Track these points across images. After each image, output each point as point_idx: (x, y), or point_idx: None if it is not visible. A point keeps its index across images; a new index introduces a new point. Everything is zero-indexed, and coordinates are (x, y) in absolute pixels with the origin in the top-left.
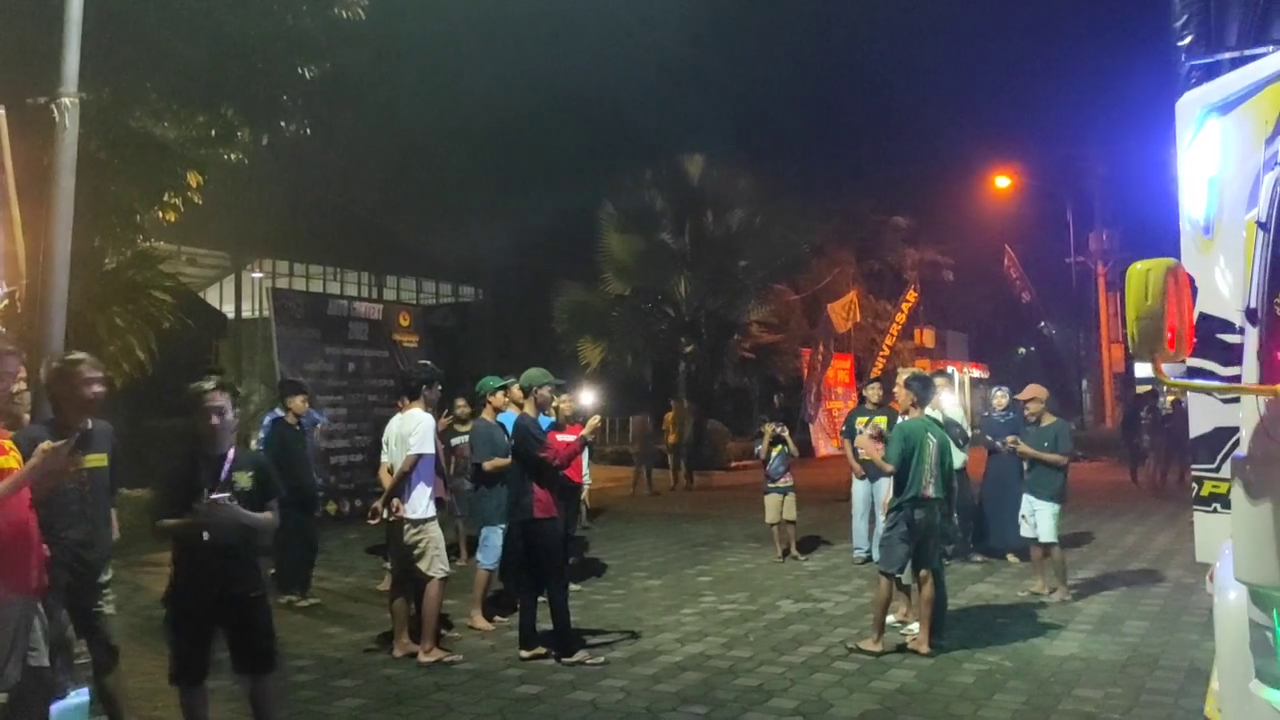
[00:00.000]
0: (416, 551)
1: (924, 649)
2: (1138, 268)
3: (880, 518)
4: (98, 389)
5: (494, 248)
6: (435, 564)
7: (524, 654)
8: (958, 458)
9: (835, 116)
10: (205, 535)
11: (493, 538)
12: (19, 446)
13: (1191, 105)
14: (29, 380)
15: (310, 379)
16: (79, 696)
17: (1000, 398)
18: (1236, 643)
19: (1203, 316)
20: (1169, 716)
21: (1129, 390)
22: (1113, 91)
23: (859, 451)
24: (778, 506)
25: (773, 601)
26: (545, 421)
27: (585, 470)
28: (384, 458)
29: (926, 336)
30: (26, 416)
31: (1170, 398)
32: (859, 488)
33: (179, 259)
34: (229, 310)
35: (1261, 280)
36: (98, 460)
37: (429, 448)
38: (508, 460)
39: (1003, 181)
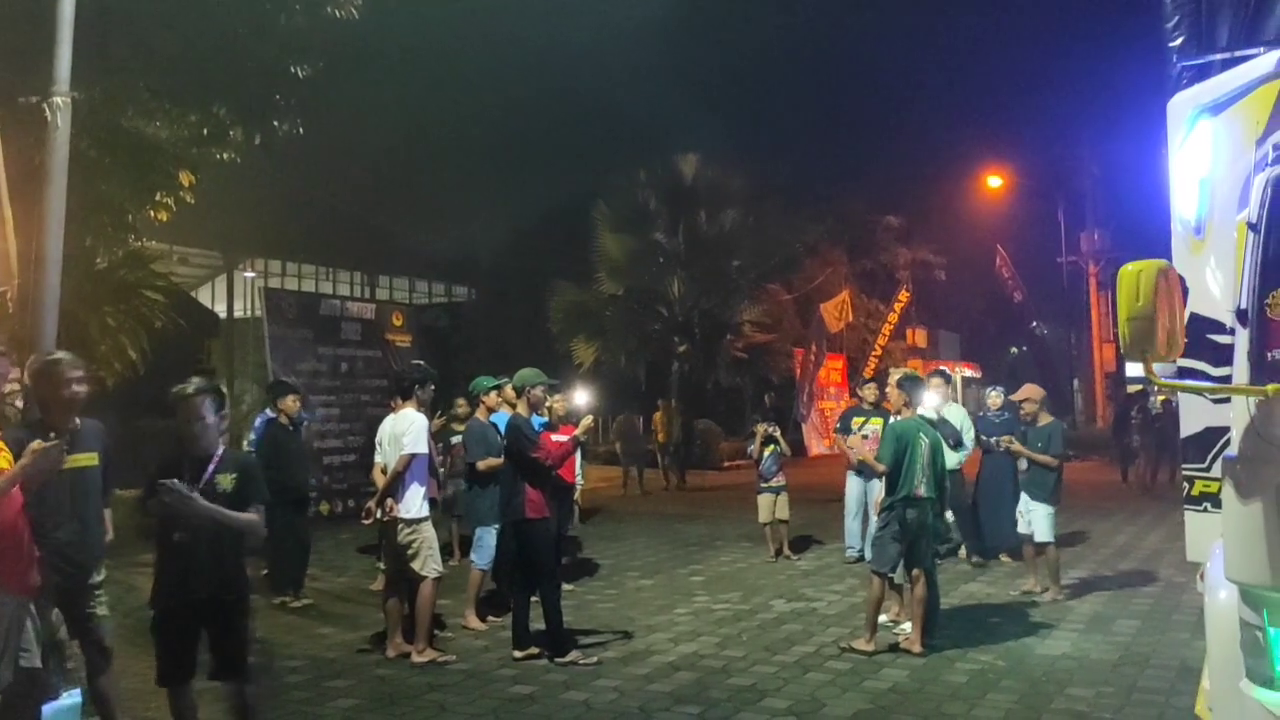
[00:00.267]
0: (410, 551)
1: (916, 648)
2: (1129, 268)
3: (873, 517)
4: (77, 388)
5: (487, 247)
6: (429, 564)
7: (517, 654)
8: (952, 458)
9: (829, 116)
10: (176, 536)
11: (486, 538)
12: (9, 447)
13: (1183, 106)
14: (21, 381)
15: (303, 379)
16: (71, 697)
17: (995, 397)
18: (1227, 642)
19: (1194, 317)
20: (1160, 715)
21: (1120, 390)
22: (1104, 92)
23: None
24: (770, 506)
25: (766, 601)
26: (538, 421)
27: (579, 470)
28: (377, 458)
29: (919, 336)
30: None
31: (1160, 397)
32: (852, 487)
33: (170, 258)
34: (221, 310)
35: (1252, 281)
36: (87, 459)
37: (422, 447)
38: (501, 460)
39: (995, 181)
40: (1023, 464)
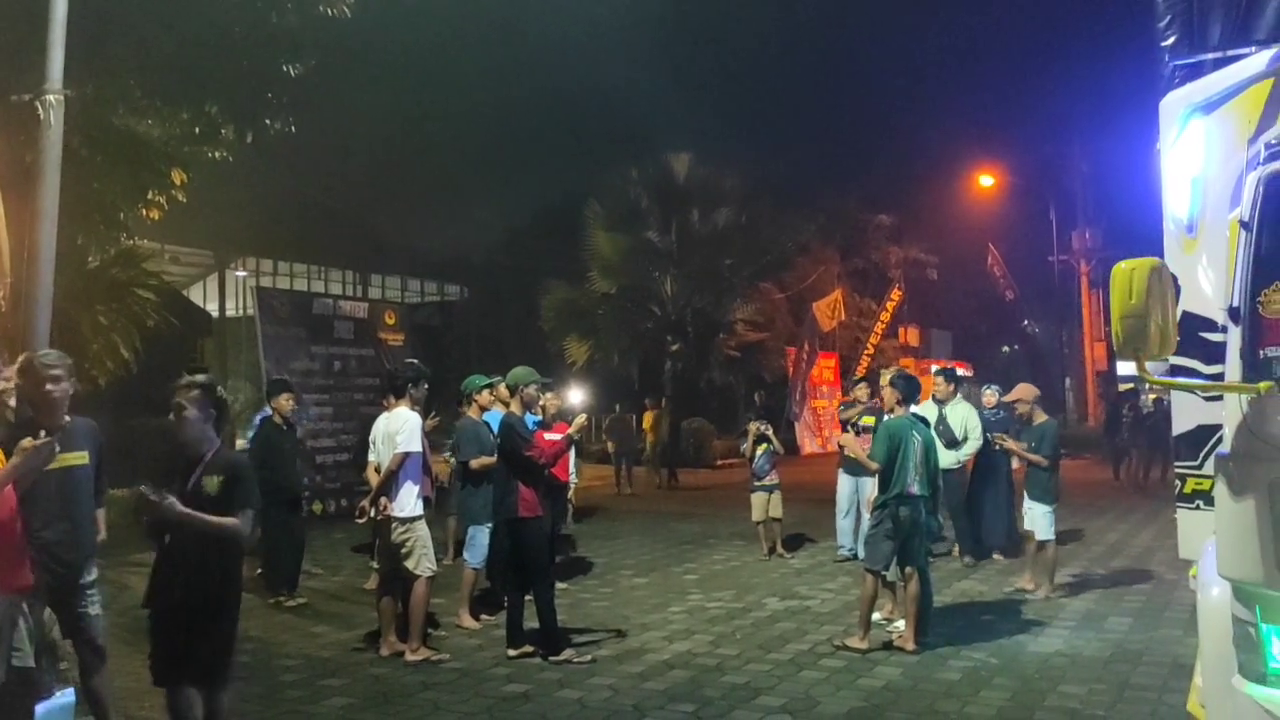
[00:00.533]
0: (404, 550)
1: (910, 646)
2: (1123, 267)
3: (865, 515)
4: (53, 385)
5: (479, 246)
6: (423, 563)
7: (511, 653)
8: (947, 457)
9: (821, 115)
10: (165, 538)
11: (479, 536)
12: (1, 446)
13: (1175, 105)
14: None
15: (296, 378)
16: (65, 697)
17: (989, 396)
18: (1220, 638)
19: (1186, 315)
20: (1153, 712)
21: (1111, 388)
22: (1095, 91)
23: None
24: (764, 504)
25: (759, 599)
26: (532, 420)
27: (573, 468)
28: (371, 456)
29: (911, 335)
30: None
31: (1152, 396)
32: (843, 485)
33: (162, 257)
34: (213, 309)
35: (1244, 279)
36: (76, 458)
37: (416, 446)
38: (494, 459)
39: (986, 180)
40: (1015, 462)
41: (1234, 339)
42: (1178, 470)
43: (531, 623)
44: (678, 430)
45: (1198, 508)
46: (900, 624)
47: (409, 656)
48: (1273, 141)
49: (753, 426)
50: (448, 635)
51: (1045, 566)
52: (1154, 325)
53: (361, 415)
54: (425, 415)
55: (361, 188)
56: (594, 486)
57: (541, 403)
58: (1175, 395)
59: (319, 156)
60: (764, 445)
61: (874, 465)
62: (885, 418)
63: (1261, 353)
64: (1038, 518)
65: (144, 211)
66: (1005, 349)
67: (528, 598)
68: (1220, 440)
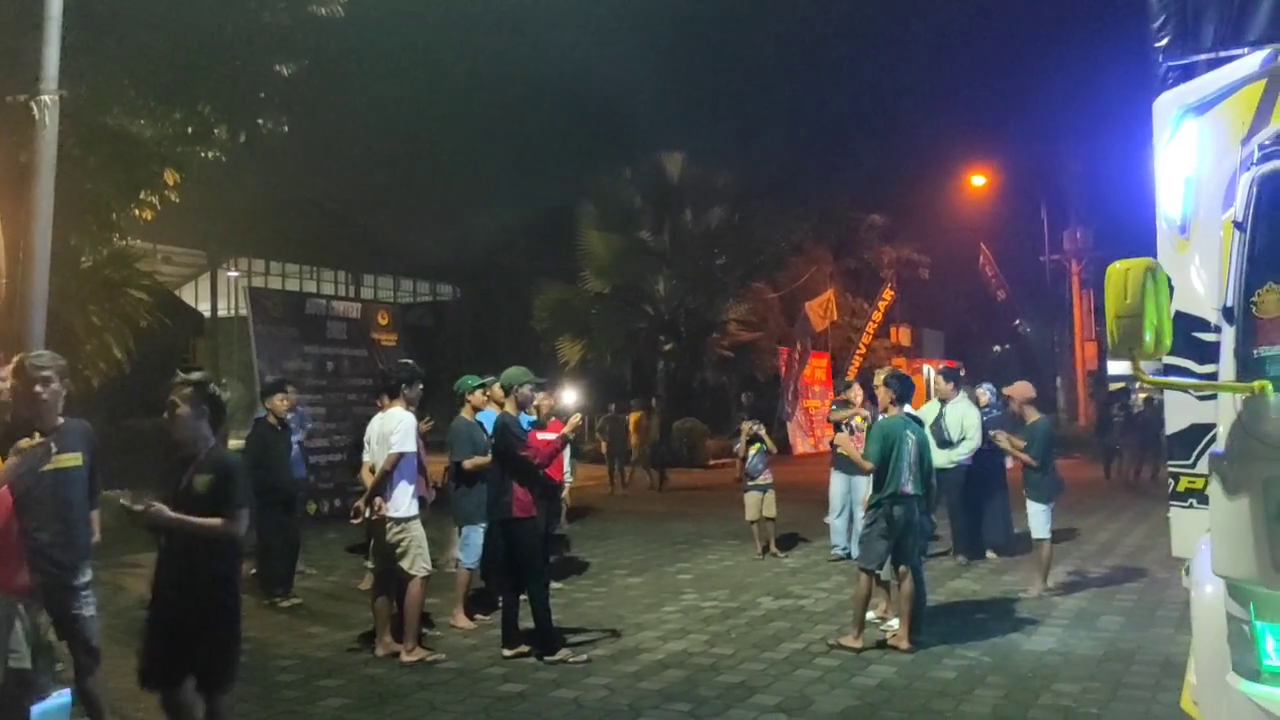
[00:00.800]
0: (399, 550)
1: (904, 645)
2: (1117, 267)
3: (859, 514)
4: (44, 388)
5: (472, 246)
6: (417, 563)
7: (506, 653)
8: (940, 457)
9: (814, 115)
10: (161, 540)
11: (473, 536)
12: None
13: (1168, 105)
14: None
15: (289, 378)
16: (61, 698)
17: (982, 395)
18: (1214, 636)
19: (1179, 315)
20: (1146, 710)
21: (1102, 388)
22: (1087, 91)
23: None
24: (757, 504)
25: (753, 599)
26: (526, 420)
27: (567, 468)
28: (365, 457)
29: (903, 334)
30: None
31: (1142, 395)
32: (836, 485)
33: (154, 257)
34: (205, 309)
35: (1238, 279)
36: (70, 460)
37: (410, 446)
38: (488, 458)
39: (978, 180)
40: (1010, 462)
41: (1228, 339)
42: (1171, 469)
43: (526, 623)
44: (668, 430)
45: (1191, 506)
46: (894, 623)
47: (404, 657)
48: (1266, 142)
49: (745, 426)
50: (443, 635)
51: (1040, 565)
52: (1148, 325)
53: (354, 415)
54: (420, 418)
55: (354, 188)
56: (588, 486)
57: (536, 402)
58: (1168, 394)
59: (311, 156)
60: (757, 445)
61: (868, 465)
62: (880, 417)
63: (1255, 352)
64: (1032, 516)
65: (137, 212)
66: (997, 348)
67: (522, 598)
68: (1214, 439)
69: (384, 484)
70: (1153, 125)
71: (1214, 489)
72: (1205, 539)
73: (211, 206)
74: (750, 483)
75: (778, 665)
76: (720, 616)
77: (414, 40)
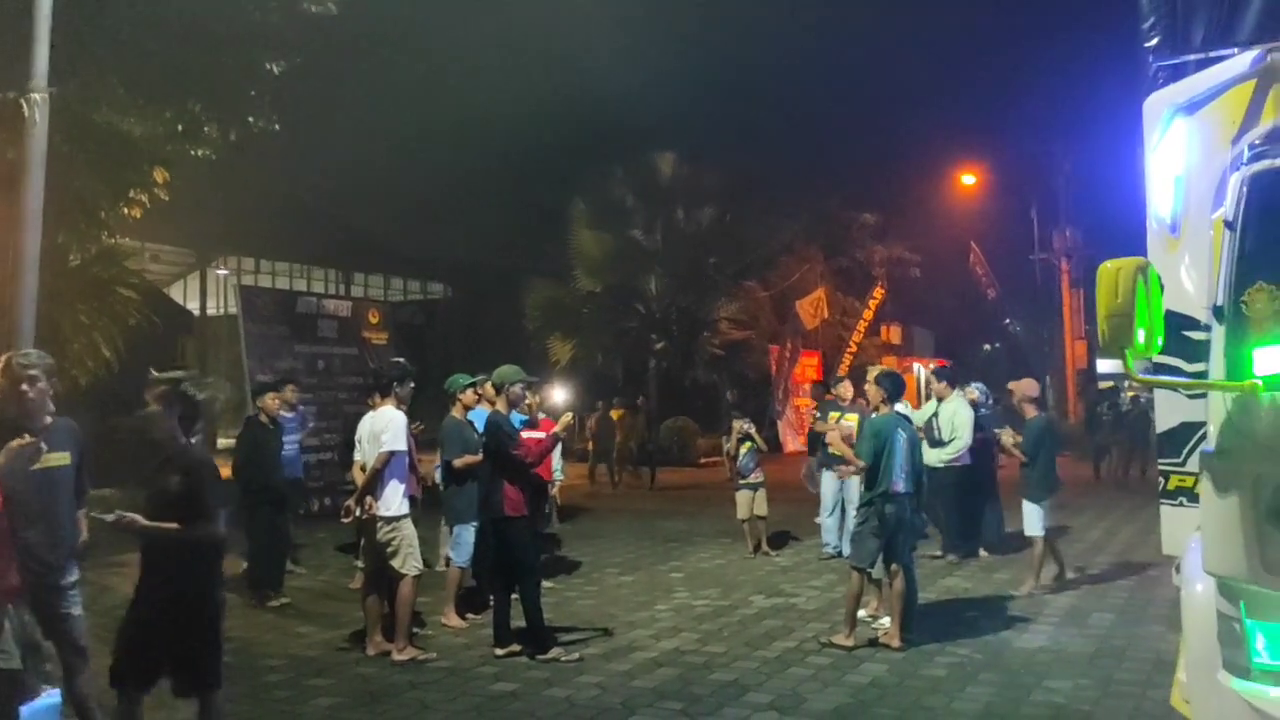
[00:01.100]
0: (389, 549)
1: (895, 643)
2: (1108, 266)
3: (850, 513)
4: (30, 387)
5: (462, 244)
6: (408, 561)
7: (498, 651)
8: (930, 455)
9: (804, 114)
10: (142, 543)
11: (464, 535)
12: None
13: (1158, 105)
14: None
15: (279, 377)
16: (50, 698)
17: (971, 393)
18: (1204, 634)
19: (1169, 314)
20: (1137, 707)
21: (1091, 386)
22: (1079, 91)
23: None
24: (749, 502)
25: (745, 597)
26: (518, 419)
27: (557, 466)
28: (356, 455)
29: (893, 333)
30: None
31: (1130, 393)
32: (827, 484)
33: (143, 255)
34: (194, 307)
35: (1228, 278)
36: (58, 459)
37: (401, 445)
38: (479, 457)
39: (968, 179)
40: (1003, 459)
41: (1218, 337)
42: (1161, 467)
43: (518, 621)
44: (654, 428)
45: (1181, 504)
46: (886, 621)
47: (395, 656)
48: (1256, 142)
49: (737, 425)
50: (434, 634)
51: (1033, 562)
52: (1139, 324)
53: (345, 414)
54: (411, 419)
55: (344, 185)
56: (579, 485)
57: (528, 401)
58: (1158, 393)
59: (302, 154)
60: (748, 444)
61: (860, 463)
62: (871, 415)
63: (1245, 350)
64: (1025, 513)
65: (126, 210)
66: (986, 347)
67: (514, 596)
68: (1204, 437)
69: (375, 483)
70: (1143, 125)
71: (1204, 487)
72: (1195, 537)
73: (200, 204)
74: (741, 481)
75: (770, 663)
76: (712, 615)
77: (404, 39)
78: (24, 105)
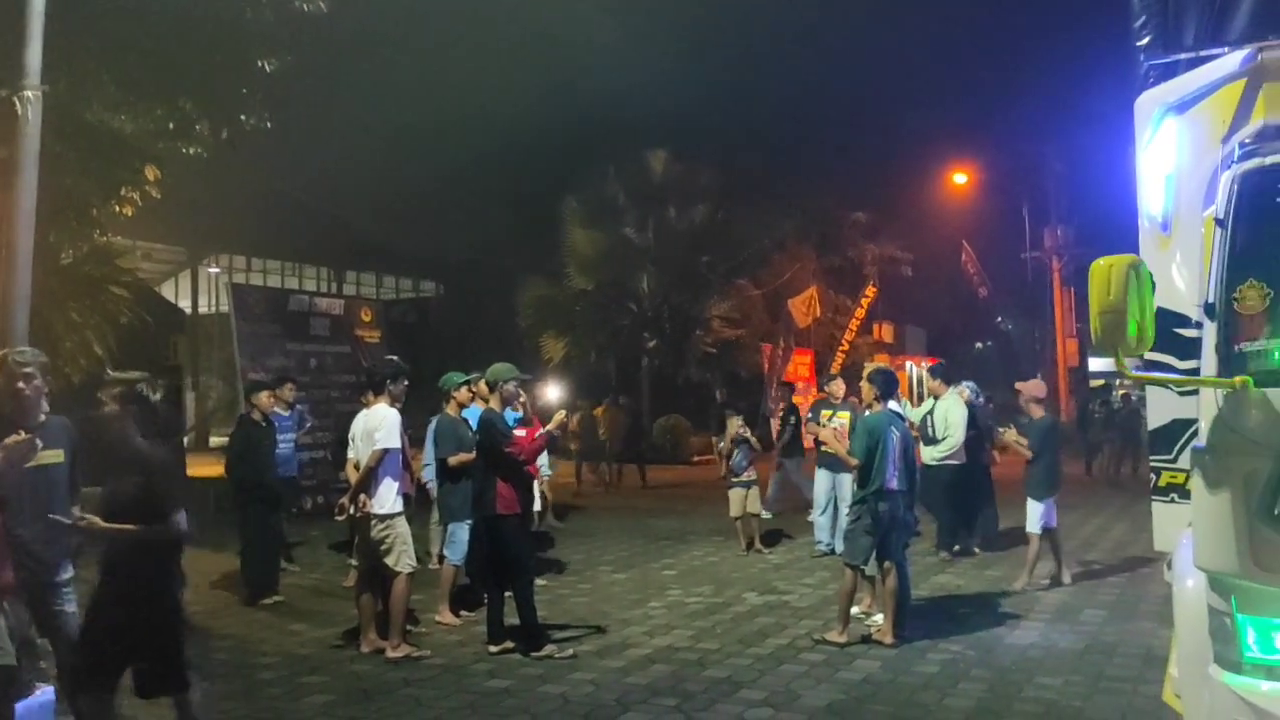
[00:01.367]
0: (384, 547)
1: (888, 639)
2: (1101, 263)
3: (843, 510)
4: (26, 385)
5: (455, 242)
6: (402, 559)
7: (492, 649)
8: (925, 453)
9: (796, 112)
10: (103, 545)
11: (459, 533)
12: None
13: (1149, 104)
14: None
15: (272, 375)
16: (44, 695)
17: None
18: (1195, 629)
19: (1161, 311)
20: (1128, 703)
21: (1082, 384)
22: (1070, 90)
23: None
24: (742, 500)
25: (738, 594)
26: (512, 416)
27: (544, 462)
28: (350, 453)
29: (885, 331)
30: None
31: (1121, 391)
32: (820, 482)
33: (134, 254)
34: (185, 305)
35: (1219, 275)
36: (52, 456)
37: (395, 442)
38: (473, 455)
39: (960, 178)
40: (995, 456)
41: (1209, 334)
42: (1153, 464)
43: (512, 619)
44: (638, 425)
45: (1172, 501)
46: (879, 618)
47: (390, 653)
48: (1246, 140)
49: (732, 422)
50: (428, 632)
51: (1029, 557)
52: (1132, 321)
53: (338, 412)
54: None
55: (336, 184)
56: (570, 484)
57: (522, 399)
58: (1150, 390)
59: (294, 152)
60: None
61: (853, 461)
62: (865, 413)
63: (1236, 348)
64: (1028, 510)
65: (117, 208)
66: (978, 345)
67: (508, 594)
68: (1195, 434)
69: (369, 480)
70: (1134, 123)
71: (1196, 483)
72: (1187, 533)
73: (192, 202)
74: (734, 479)
75: (763, 660)
76: (705, 612)
77: (397, 36)
78: (17, 103)
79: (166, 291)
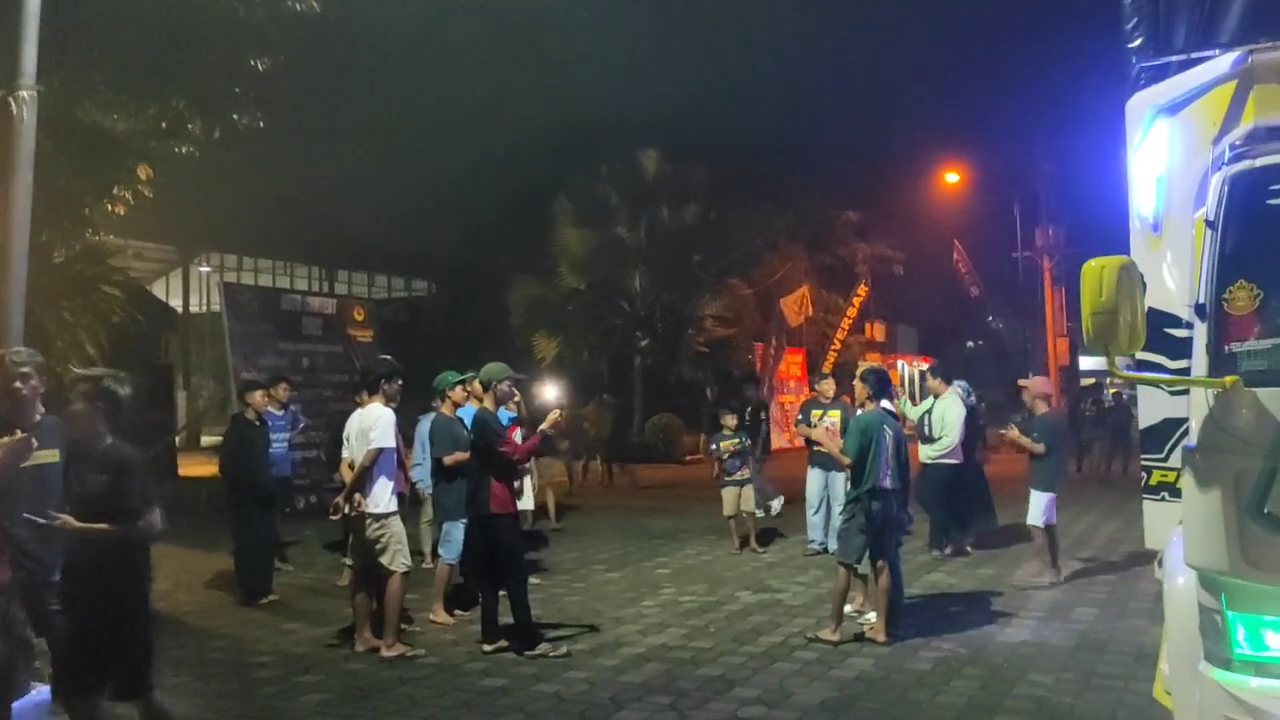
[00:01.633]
0: (378, 546)
1: (881, 638)
2: (1093, 264)
3: (835, 509)
4: (23, 384)
5: (447, 241)
6: (397, 558)
7: (486, 648)
8: (922, 452)
9: (788, 112)
10: (72, 546)
11: (454, 532)
12: None
13: (1141, 106)
14: None
15: (264, 375)
16: (39, 695)
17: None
18: (1186, 626)
19: (1152, 311)
20: (1119, 700)
21: (1073, 383)
22: (1062, 91)
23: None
24: (735, 499)
25: (732, 593)
26: (506, 416)
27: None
28: (344, 453)
29: (877, 330)
30: None
31: (1112, 390)
32: (813, 481)
33: (126, 252)
34: (176, 304)
35: (1210, 276)
36: (47, 456)
37: (390, 442)
38: (468, 454)
39: (952, 177)
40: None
41: (1200, 335)
42: (1144, 463)
43: (506, 618)
44: (624, 424)
45: (1163, 499)
46: (871, 616)
47: (384, 652)
48: (1236, 142)
49: (729, 420)
50: (422, 631)
51: (1035, 551)
52: (1123, 321)
53: (331, 412)
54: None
55: (328, 183)
56: (561, 482)
57: (516, 399)
58: (1141, 390)
59: (286, 151)
60: (734, 441)
61: (846, 460)
62: (857, 413)
63: (1226, 348)
64: (1034, 504)
65: (109, 206)
66: (970, 344)
67: (502, 593)
68: (1186, 433)
69: (363, 480)
70: (1126, 125)
71: (1186, 482)
72: (1177, 531)
73: (184, 202)
74: (728, 478)
75: (756, 658)
76: (699, 610)
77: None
78: (12, 103)
79: (158, 291)
